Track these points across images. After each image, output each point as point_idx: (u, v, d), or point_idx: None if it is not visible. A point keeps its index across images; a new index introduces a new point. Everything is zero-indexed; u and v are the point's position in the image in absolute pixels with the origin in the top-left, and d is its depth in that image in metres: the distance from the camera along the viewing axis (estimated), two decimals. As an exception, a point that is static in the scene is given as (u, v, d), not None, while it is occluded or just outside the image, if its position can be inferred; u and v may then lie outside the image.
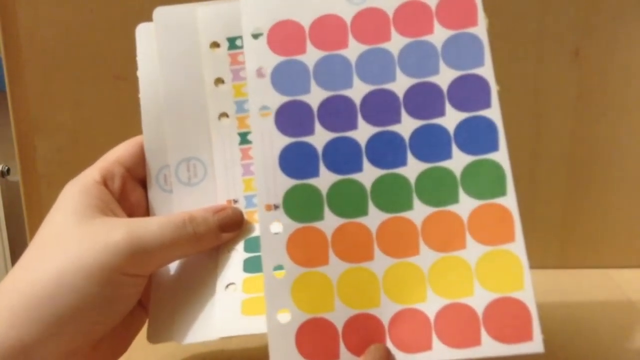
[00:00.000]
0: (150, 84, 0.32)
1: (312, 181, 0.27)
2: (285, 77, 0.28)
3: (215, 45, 0.32)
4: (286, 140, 0.27)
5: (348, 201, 0.27)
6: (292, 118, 0.27)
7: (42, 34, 0.44)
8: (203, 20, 0.32)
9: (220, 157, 0.32)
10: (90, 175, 0.30)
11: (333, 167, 0.27)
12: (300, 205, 0.27)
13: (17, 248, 1.02)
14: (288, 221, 0.27)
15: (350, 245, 0.26)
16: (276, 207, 0.27)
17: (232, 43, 0.32)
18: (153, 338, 0.30)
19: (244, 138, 0.32)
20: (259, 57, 0.28)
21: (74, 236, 0.27)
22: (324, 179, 0.27)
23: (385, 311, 0.25)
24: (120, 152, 0.32)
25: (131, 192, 0.32)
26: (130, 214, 0.31)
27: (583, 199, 0.47)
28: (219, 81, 0.32)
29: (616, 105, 0.45)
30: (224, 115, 0.32)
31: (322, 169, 0.27)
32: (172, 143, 0.32)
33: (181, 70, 0.32)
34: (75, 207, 0.28)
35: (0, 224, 1.02)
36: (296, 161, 0.27)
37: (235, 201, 0.31)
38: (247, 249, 0.30)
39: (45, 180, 0.47)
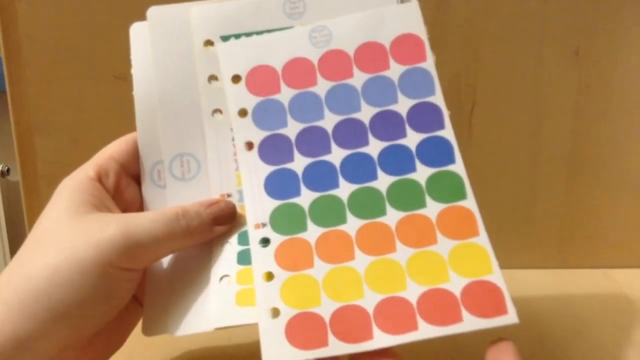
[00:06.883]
0: (144, 81, 0.32)
1: (295, 200, 0.30)
2: (264, 114, 0.31)
3: (209, 43, 0.32)
4: (269, 169, 0.30)
5: (328, 213, 0.29)
6: (273, 149, 0.31)
7: (42, 34, 0.45)
8: (197, 18, 0.32)
9: (213, 153, 0.32)
10: (85, 171, 0.30)
11: (312, 187, 0.30)
12: (285, 220, 0.29)
13: (17, 248, 1.02)
14: (275, 235, 0.29)
15: (332, 249, 0.29)
16: (264, 225, 0.29)
17: (226, 41, 0.32)
18: (147, 331, 0.30)
19: None
20: (240, 99, 0.32)
21: (68, 232, 0.27)
22: (305, 197, 0.30)
23: (369, 301, 0.27)
24: (114, 149, 0.32)
25: (125, 188, 0.32)
26: (125, 209, 0.31)
27: (583, 199, 0.47)
28: (212, 78, 0.32)
29: (616, 105, 0.45)
30: (217, 111, 0.32)
31: (303, 189, 0.30)
32: (165, 139, 0.32)
33: (175, 68, 0.32)
34: (70, 204, 0.29)
35: (0, 224, 1.02)
36: (279, 185, 0.30)
37: (229, 195, 0.31)
38: (240, 241, 0.30)
39: (45, 180, 0.47)
